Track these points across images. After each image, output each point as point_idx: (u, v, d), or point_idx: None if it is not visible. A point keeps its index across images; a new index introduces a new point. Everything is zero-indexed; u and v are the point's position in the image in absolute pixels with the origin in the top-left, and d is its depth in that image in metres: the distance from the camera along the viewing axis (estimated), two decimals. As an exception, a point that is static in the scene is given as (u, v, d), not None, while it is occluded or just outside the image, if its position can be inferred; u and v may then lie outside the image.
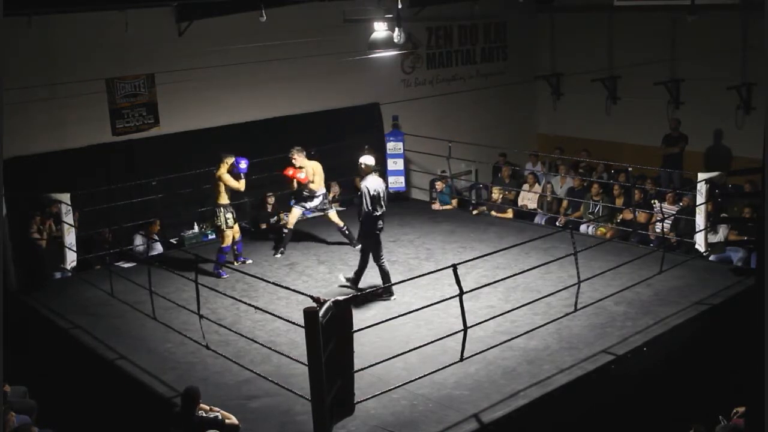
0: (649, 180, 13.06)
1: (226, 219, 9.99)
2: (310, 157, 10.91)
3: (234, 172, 10.02)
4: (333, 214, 10.97)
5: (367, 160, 9.16)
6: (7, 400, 7.33)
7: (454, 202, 13.62)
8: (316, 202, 10.76)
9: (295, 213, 10.89)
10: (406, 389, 6.87)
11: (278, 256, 10.82)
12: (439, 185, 13.55)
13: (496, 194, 13.30)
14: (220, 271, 10.06)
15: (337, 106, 13.87)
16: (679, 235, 10.99)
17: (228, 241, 10.12)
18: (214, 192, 10.10)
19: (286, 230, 11.01)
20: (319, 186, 10.71)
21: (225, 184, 9.96)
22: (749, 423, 5.31)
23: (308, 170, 10.59)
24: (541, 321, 8.03)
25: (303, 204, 10.83)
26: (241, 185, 10.09)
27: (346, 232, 10.94)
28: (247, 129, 12.89)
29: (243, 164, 10.04)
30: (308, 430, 6.24)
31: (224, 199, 10.02)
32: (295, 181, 10.65)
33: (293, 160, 10.60)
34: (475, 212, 13.03)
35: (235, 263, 10.40)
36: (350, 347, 6.43)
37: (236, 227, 10.30)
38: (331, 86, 13.76)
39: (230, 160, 10.01)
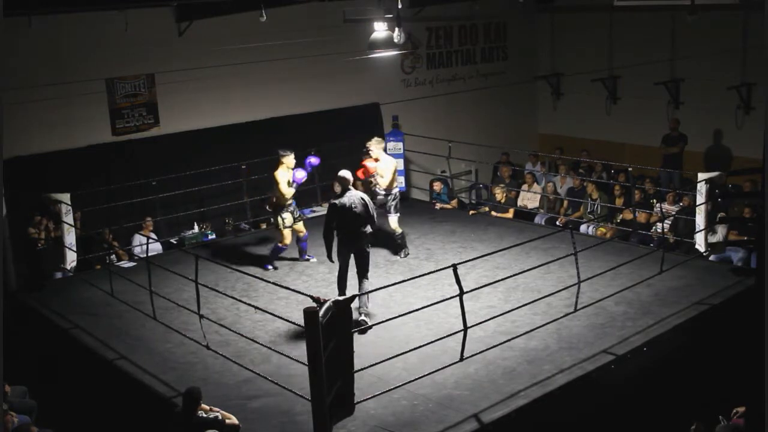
0: (649, 180, 13.06)
1: (283, 218, 9.91)
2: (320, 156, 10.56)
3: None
4: (393, 220, 10.43)
5: (342, 173, 8.53)
6: (7, 400, 7.33)
7: (454, 202, 13.62)
8: (379, 198, 10.23)
9: (392, 219, 10.38)
10: (406, 389, 6.87)
11: (403, 256, 10.45)
12: (436, 186, 13.51)
13: (500, 194, 13.29)
14: (268, 265, 10.17)
15: (337, 106, 13.85)
16: (678, 235, 10.99)
17: (286, 240, 10.08)
18: (274, 191, 9.93)
19: (399, 237, 10.48)
20: (385, 184, 10.22)
21: (277, 184, 9.80)
22: (749, 423, 5.32)
23: (380, 165, 10.15)
24: (541, 321, 8.02)
25: (388, 207, 10.30)
26: (288, 192, 9.86)
27: (398, 241, 10.53)
28: (247, 129, 12.88)
29: (299, 174, 9.82)
30: (308, 430, 6.24)
31: (284, 199, 9.88)
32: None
33: (369, 152, 10.20)
34: (472, 212, 13.03)
35: (300, 260, 10.45)
36: (350, 347, 6.44)
37: (301, 225, 10.21)
38: (331, 86, 13.75)
39: (288, 159, 9.77)
